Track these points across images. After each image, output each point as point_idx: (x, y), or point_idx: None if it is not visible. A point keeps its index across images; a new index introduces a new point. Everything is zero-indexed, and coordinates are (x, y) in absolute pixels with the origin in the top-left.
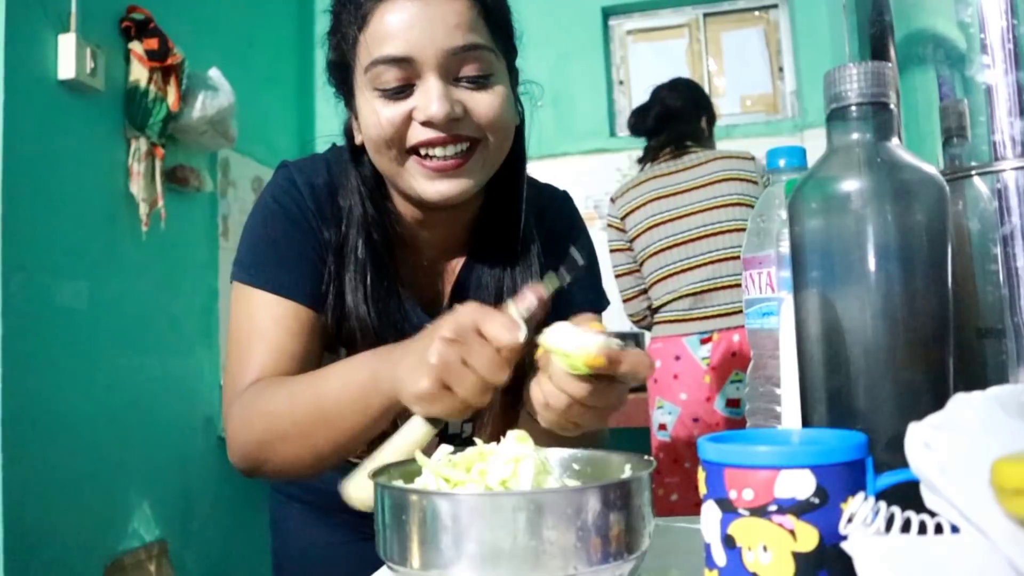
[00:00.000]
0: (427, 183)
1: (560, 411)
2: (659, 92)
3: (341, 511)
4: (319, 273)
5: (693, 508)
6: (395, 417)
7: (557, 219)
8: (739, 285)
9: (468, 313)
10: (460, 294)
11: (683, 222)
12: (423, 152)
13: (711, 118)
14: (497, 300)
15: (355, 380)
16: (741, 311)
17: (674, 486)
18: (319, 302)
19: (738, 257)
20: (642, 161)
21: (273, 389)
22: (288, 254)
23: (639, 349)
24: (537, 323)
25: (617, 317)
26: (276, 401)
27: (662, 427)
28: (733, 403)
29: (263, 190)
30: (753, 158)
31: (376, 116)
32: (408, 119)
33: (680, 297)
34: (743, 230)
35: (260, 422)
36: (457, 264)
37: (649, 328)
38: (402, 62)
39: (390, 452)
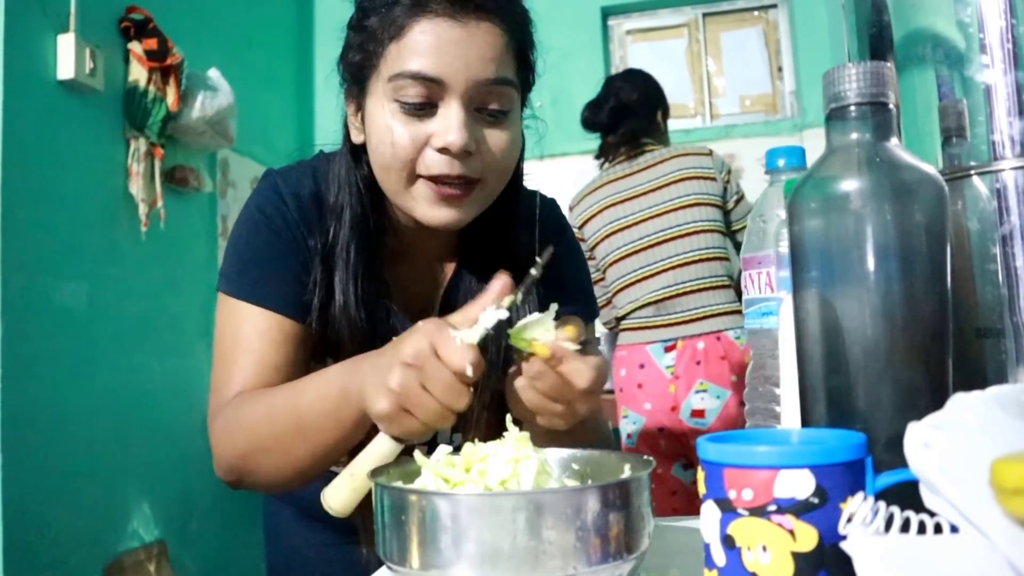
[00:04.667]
0: (429, 208)
1: (522, 392)
2: (613, 83)
3: (331, 515)
4: (304, 284)
5: (670, 511)
6: (372, 427)
7: (545, 227)
8: (702, 289)
9: (426, 334)
10: (450, 303)
11: (641, 227)
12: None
13: (665, 112)
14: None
15: (327, 393)
16: (705, 317)
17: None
18: (304, 313)
19: (700, 260)
20: (599, 158)
21: (253, 402)
22: (273, 265)
23: (593, 359)
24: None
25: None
26: (256, 414)
27: (628, 436)
28: (698, 414)
29: (248, 199)
30: (710, 152)
31: (392, 134)
32: (424, 144)
33: (643, 305)
34: (703, 232)
35: (241, 436)
36: (448, 271)
37: (616, 336)
38: (431, 81)
39: (357, 465)
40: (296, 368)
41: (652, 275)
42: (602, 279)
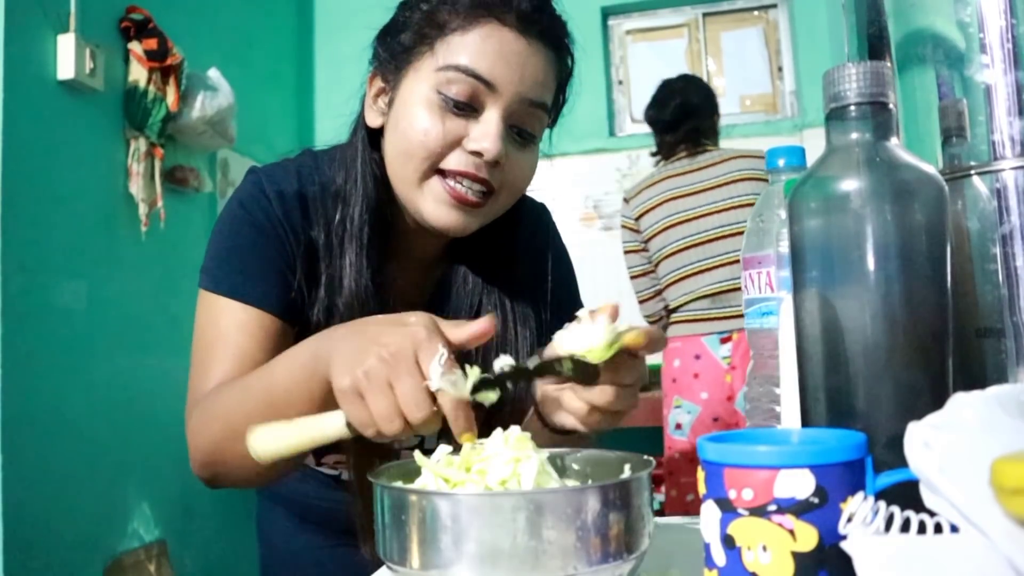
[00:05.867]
0: (440, 208)
1: (610, 402)
2: (674, 85)
3: (324, 518)
4: (287, 282)
5: None
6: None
7: (535, 231)
8: None
9: (415, 335)
10: (438, 303)
11: (700, 223)
12: (450, 178)
13: (718, 116)
14: (475, 311)
15: (298, 362)
16: None
17: (690, 486)
18: (285, 311)
19: None
20: (656, 155)
21: (228, 388)
22: (254, 261)
23: (646, 327)
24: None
25: (633, 316)
26: (230, 399)
27: (678, 427)
28: None
29: (231, 196)
30: (764, 156)
31: (426, 124)
32: (454, 144)
33: (698, 298)
34: None
35: (216, 423)
36: (437, 272)
37: (665, 328)
38: (482, 83)
39: (299, 426)
40: None
41: (709, 269)
42: (653, 271)
